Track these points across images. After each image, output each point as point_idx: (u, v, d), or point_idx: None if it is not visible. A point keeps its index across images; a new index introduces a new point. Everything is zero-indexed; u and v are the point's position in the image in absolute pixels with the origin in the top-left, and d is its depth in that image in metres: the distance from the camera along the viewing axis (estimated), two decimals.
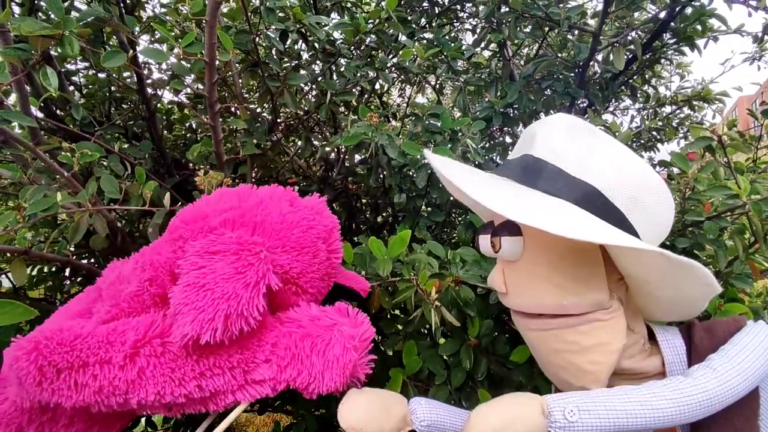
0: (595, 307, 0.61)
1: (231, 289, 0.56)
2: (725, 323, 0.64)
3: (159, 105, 1.42)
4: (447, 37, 1.67)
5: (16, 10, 1.17)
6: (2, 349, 0.59)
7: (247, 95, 1.45)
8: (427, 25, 1.71)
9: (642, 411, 0.53)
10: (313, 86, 1.45)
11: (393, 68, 1.38)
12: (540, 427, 0.53)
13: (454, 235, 1.40)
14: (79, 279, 1.35)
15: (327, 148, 1.50)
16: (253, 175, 1.32)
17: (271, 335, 0.63)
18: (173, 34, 1.23)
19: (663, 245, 0.69)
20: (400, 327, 1.04)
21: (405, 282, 0.83)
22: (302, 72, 1.29)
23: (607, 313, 0.61)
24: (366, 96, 1.55)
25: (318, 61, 1.41)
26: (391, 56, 1.40)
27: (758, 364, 0.58)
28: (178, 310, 0.56)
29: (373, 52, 1.39)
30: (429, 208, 1.36)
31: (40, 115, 1.19)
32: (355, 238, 0.99)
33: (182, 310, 0.56)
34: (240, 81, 1.26)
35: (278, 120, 1.38)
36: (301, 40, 1.28)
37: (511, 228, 0.63)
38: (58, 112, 1.24)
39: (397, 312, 1.30)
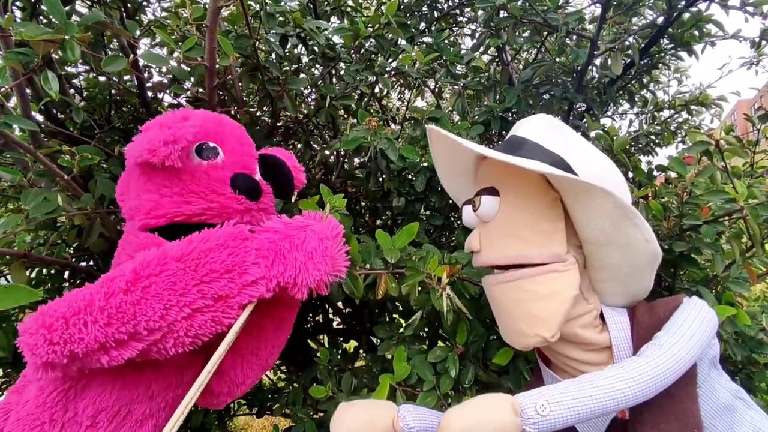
0: (554, 259, 0.71)
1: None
2: (665, 302, 0.73)
3: (159, 108, 1.42)
4: (446, 42, 1.68)
5: (17, 14, 1.18)
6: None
7: (247, 99, 1.46)
8: (426, 30, 1.72)
9: (605, 394, 0.58)
10: (313, 90, 1.45)
11: (392, 72, 1.38)
12: (509, 426, 0.55)
13: (453, 238, 1.40)
14: (78, 282, 1.34)
15: (326, 152, 1.50)
16: None
17: (253, 243, 0.72)
18: (173, 37, 1.23)
19: (660, 248, 0.71)
20: (393, 331, 1.04)
21: (413, 269, 0.84)
22: (302, 76, 1.29)
23: (564, 266, 0.70)
24: (365, 100, 1.55)
25: (318, 66, 1.42)
26: (390, 60, 1.40)
27: (698, 335, 0.66)
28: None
29: (373, 57, 1.39)
30: (427, 212, 1.36)
31: (40, 118, 1.19)
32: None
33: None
34: (240, 85, 1.26)
35: (278, 124, 1.39)
36: (300, 45, 1.28)
37: (491, 190, 0.75)
38: (58, 115, 1.24)
39: (395, 316, 1.30)
